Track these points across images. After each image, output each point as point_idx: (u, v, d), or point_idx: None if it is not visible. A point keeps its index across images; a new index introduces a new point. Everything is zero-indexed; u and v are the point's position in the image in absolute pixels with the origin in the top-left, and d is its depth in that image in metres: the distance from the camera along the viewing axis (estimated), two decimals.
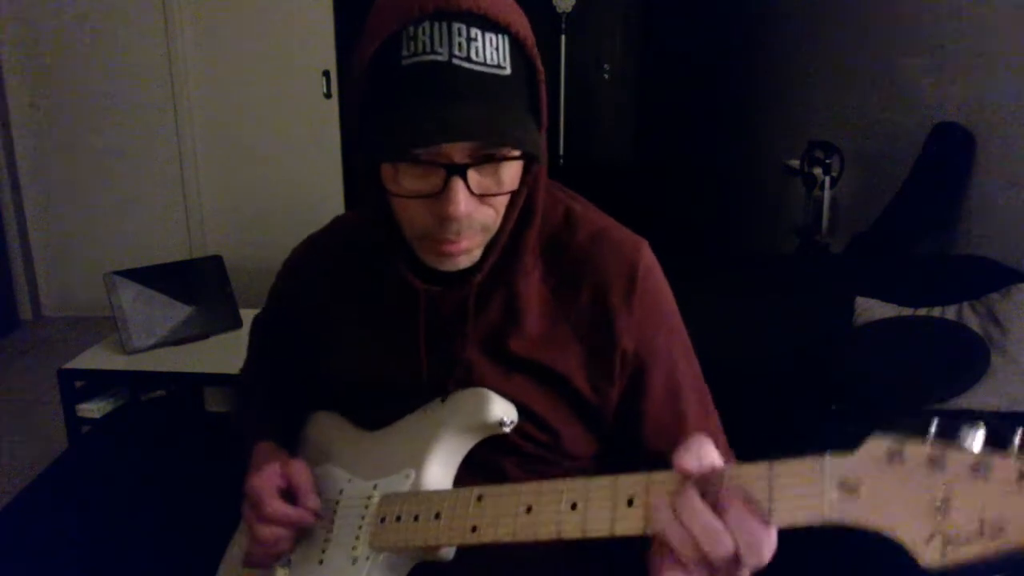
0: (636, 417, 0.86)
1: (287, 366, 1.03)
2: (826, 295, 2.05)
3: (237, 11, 3.58)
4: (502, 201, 0.77)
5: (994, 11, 2.27)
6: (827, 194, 2.91)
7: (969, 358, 1.71)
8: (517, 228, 0.82)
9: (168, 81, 3.66)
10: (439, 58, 0.67)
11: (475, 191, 0.72)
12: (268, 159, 3.74)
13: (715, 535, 0.56)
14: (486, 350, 0.84)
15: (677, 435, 0.85)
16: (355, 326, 0.91)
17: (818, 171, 2.94)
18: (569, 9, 4.53)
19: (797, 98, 3.86)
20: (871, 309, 1.94)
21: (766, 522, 0.55)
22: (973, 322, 1.81)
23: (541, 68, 0.74)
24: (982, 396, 1.66)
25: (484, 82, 0.69)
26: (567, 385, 0.84)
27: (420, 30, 0.68)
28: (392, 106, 0.70)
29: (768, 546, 0.55)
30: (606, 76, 4.89)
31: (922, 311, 1.89)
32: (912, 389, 1.66)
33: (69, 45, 3.64)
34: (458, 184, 0.70)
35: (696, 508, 0.57)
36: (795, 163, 3.15)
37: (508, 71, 0.70)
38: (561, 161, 4.72)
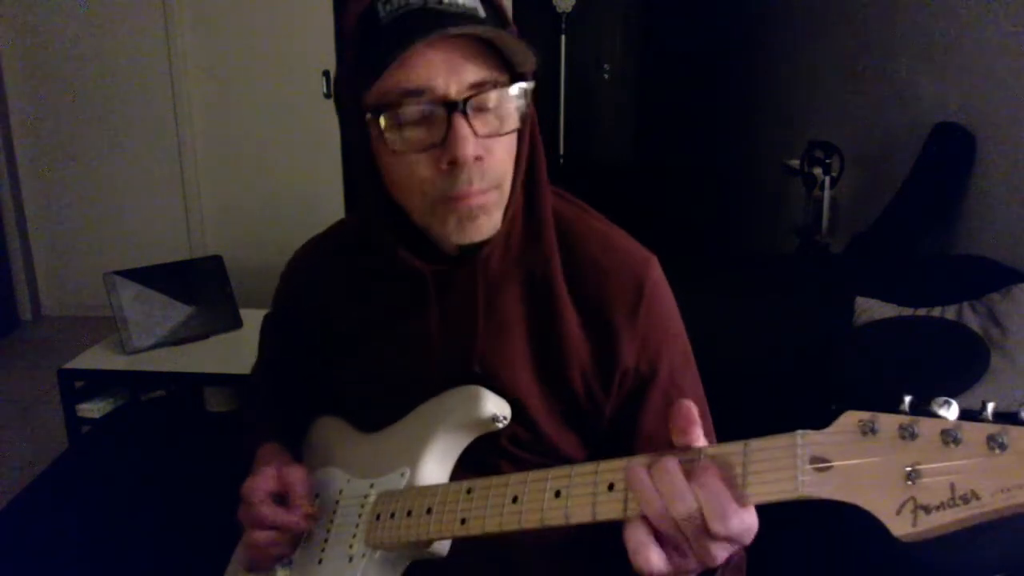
0: (630, 430, 0.85)
1: (295, 367, 1.03)
2: (826, 295, 2.06)
3: (237, 11, 3.59)
4: (507, 150, 0.76)
5: (993, 12, 2.27)
6: (827, 194, 2.91)
7: (969, 358, 1.71)
8: (529, 198, 0.81)
9: (168, 81, 3.66)
10: (415, 6, 0.69)
11: (479, 132, 0.72)
12: (268, 159, 3.74)
13: (679, 492, 0.56)
14: (500, 340, 0.83)
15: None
16: (364, 327, 0.90)
17: (818, 171, 2.94)
18: (569, 9, 4.53)
19: (797, 98, 3.86)
20: (871, 309, 1.94)
21: (737, 496, 0.55)
22: (973, 322, 1.81)
23: (511, 22, 0.76)
24: (982, 396, 1.66)
25: (464, 16, 0.70)
26: (567, 388, 0.84)
27: None
28: (376, 50, 0.70)
29: (737, 518, 0.55)
30: (606, 76, 4.90)
31: (922, 311, 1.89)
32: (912, 389, 1.66)
33: (69, 45, 3.64)
34: (461, 122, 0.70)
35: (668, 468, 0.58)
36: (795, 163, 3.15)
37: (483, 15, 0.72)
38: (561, 161, 4.73)
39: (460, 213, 0.75)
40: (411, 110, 0.71)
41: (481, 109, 0.72)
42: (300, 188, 3.74)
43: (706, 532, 0.56)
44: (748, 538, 0.58)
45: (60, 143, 3.77)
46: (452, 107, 0.70)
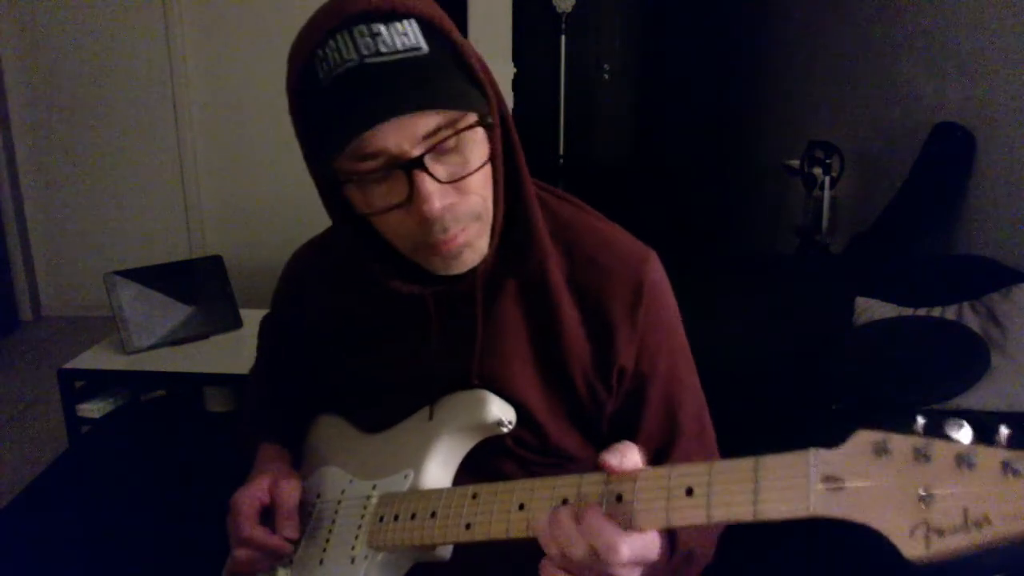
0: (631, 428, 0.86)
1: (293, 368, 1.03)
2: (826, 295, 2.06)
3: (237, 11, 3.59)
4: (480, 182, 0.74)
5: (993, 11, 2.27)
6: (827, 194, 2.91)
7: (969, 358, 1.71)
8: (513, 208, 0.79)
9: (168, 81, 3.66)
10: (351, 64, 0.67)
11: (444, 179, 0.70)
12: (268, 159, 3.74)
13: (571, 540, 0.62)
14: (501, 347, 0.83)
15: (668, 449, 0.85)
16: (363, 330, 0.90)
17: (818, 171, 2.94)
18: (569, 9, 4.53)
19: (797, 98, 3.86)
20: (871, 309, 1.94)
21: (623, 526, 0.61)
22: (973, 322, 1.80)
23: (460, 40, 0.72)
24: (982, 396, 1.66)
25: (403, 66, 0.67)
26: (570, 388, 0.84)
27: (328, 49, 0.68)
28: (322, 124, 0.69)
29: (629, 547, 0.60)
30: (606, 76, 4.90)
31: (922, 311, 1.89)
32: (912, 389, 1.66)
33: (69, 45, 3.64)
34: (423, 179, 0.68)
35: (560, 520, 0.63)
36: (795, 163, 3.15)
37: (426, 49, 0.68)
38: (561, 161, 4.73)
39: (442, 254, 0.74)
40: (371, 174, 0.70)
41: (443, 152, 0.70)
42: (300, 188, 3.72)
43: (605, 563, 0.60)
44: (651, 556, 0.62)
45: (60, 143, 3.76)
46: (409, 165, 0.68)
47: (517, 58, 3.73)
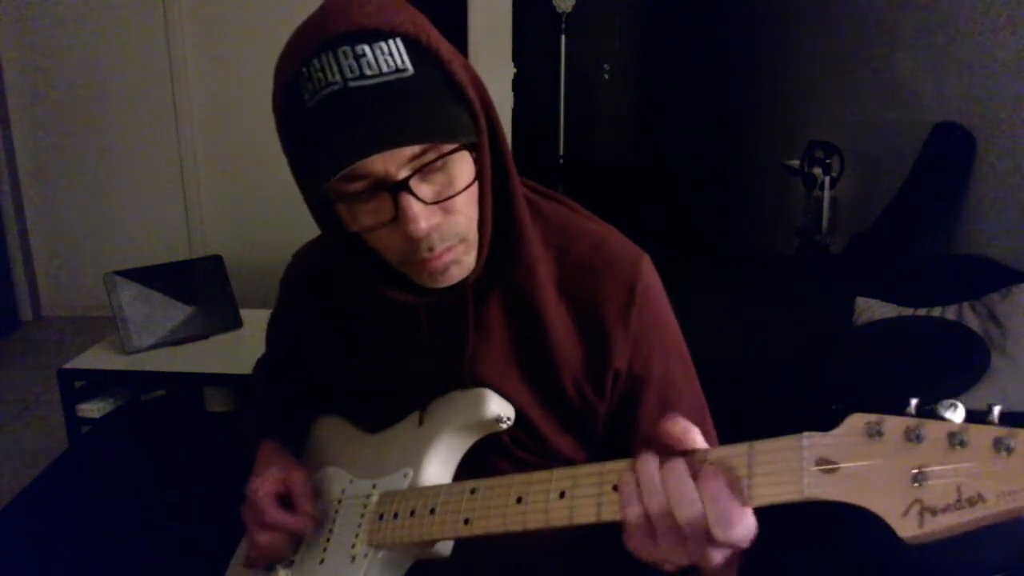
0: (628, 432, 0.86)
1: (294, 367, 1.04)
2: (826, 295, 2.06)
3: (237, 12, 3.59)
4: (466, 202, 0.74)
5: (993, 11, 2.27)
6: (827, 194, 2.91)
7: (969, 358, 1.71)
8: (501, 216, 0.79)
9: (168, 81, 3.66)
10: (335, 87, 0.66)
11: (429, 200, 0.70)
12: (268, 159, 3.73)
13: (686, 497, 0.57)
14: (490, 354, 0.83)
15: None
16: (360, 333, 0.91)
17: (818, 171, 2.94)
18: (569, 9, 4.53)
19: (797, 98, 3.86)
20: (871, 309, 1.94)
21: (743, 502, 0.56)
22: (973, 322, 1.80)
23: (448, 57, 0.71)
24: (982, 396, 1.66)
25: (387, 90, 0.67)
26: (560, 394, 0.84)
27: (312, 69, 0.67)
28: (308, 149, 0.69)
29: (741, 525, 0.56)
30: (606, 76, 4.90)
31: (922, 311, 1.89)
32: (912, 389, 1.66)
33: (69, 45, 3.64)
34: (408, 200, 0.68)
35: (677, 468, 0.58)
36: (795, 163, 3.15)
37: (411, 70, 0.68)
38: (561, 161, 4.73)
39: (429, 270, 0.75)
40: (358, 195, 0.70)
41: (429, 172, 0.70)
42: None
43: (707, 537, 0.56)
44: (747, 543, 0.57)
45: (60, 144, 3.77)
46: (395, 188, 0.68)
47: (517, 58, 3.73)
